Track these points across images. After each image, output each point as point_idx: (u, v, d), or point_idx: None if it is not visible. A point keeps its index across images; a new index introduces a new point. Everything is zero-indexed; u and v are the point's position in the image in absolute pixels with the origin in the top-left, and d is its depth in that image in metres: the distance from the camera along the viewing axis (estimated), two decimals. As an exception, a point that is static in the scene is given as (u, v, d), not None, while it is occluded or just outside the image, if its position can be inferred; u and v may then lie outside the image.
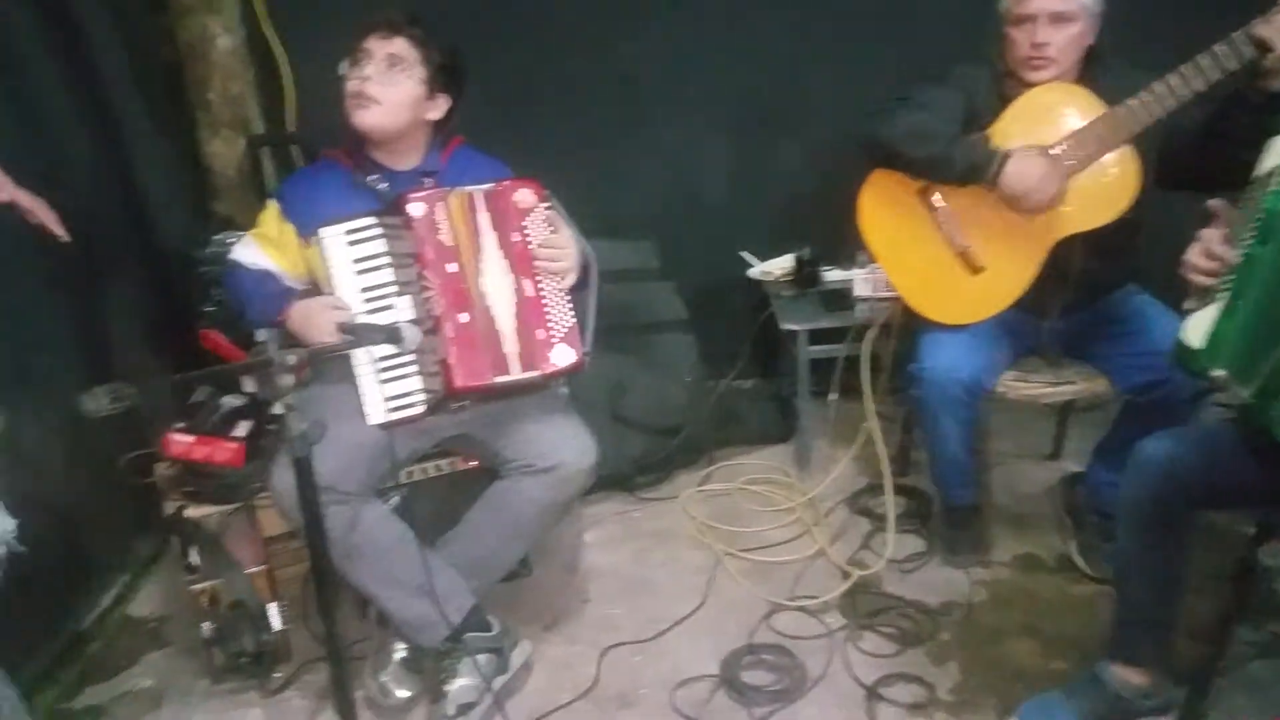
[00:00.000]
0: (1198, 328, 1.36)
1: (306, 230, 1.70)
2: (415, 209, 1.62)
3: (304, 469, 1.30)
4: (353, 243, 1.62)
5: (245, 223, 1.83)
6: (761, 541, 2.23)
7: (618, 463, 2.42)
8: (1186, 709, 1.61)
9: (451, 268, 1.63)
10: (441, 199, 1.64)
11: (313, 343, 1.57)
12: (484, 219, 1.67)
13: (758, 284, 2.68)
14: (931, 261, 1.96)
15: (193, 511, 1.78)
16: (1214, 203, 1.38)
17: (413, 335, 1.53)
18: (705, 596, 2.04)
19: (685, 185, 2.76)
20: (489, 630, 1.76)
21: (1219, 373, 1.34)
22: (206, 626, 1.81)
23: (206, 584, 1.81)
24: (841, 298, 2.47)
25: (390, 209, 1.64)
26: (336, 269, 1.62)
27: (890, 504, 2.15)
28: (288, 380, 1.27)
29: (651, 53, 2.66)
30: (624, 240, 2.64)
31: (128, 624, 2.07)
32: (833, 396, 2.41)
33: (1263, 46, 1.58)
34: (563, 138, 2.63)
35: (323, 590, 1.38)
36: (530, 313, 1.65)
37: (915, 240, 1.97)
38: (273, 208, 1.76)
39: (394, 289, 1.63)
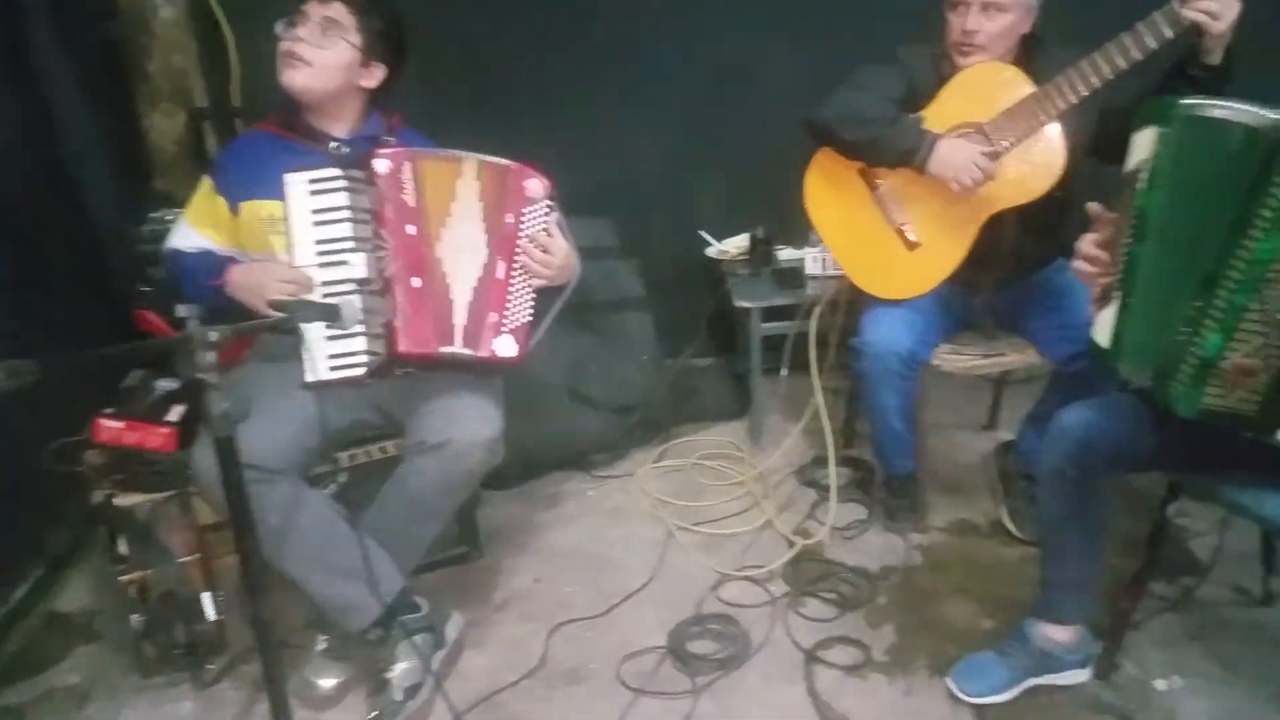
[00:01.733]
0: (1103, 326, 1.43)
1: (238, 201, 1.69)
2: (380, 165, 1.62)
3: (226, 449, 1.27)
4: (314, 192, 1.60)
5: (185, 199, 1.80)
6: (713, 515, 2.29)
7: (575, 441, 2.48)
8: (1102, 661, 1.71)
9: (410, 229, 1.63)
10: (409, 159, 1.63)
11: (255, 308, 1.56)
12: (471, 188, 1.65)
13: (715, 263, 2.73)
14: (872, 239, 2.01)
15: (122, 499, 1.73)
16: (1091, 206, 1.45)
17: (351, 313, 1.54)
18: (656, 571, 2.09)
19: (644, 164, 2.78)
20: (419, 610, 1.76)
21: (1125, 366, 1.42)
22: (136, 619, 1.76)
23: (136, 574, 1.75)
24: (794, 275, 2.52)
25: (355, 164, 1.63)
26: (295, 217, 1.60)
27: (833, 475, 2.22)
28: (208, 357, 1.23)
29: (609, 31, 2.67)
30: (582, 218, 2.65)
31: (53, 620, 2.00)
32: (784, 372, 2.46)
33: (1192, 29, 1.63)
34: (521, 115, 2.64)
35: (250, 575, 1.34)
36: (492, 294, 1.65)
37: (857, 218, 2.03)
38: (205, 184, 1.75)
39: (349, 244, 1.61)
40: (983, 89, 1.87)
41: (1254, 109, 1.24)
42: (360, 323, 1.59)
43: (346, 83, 1.71)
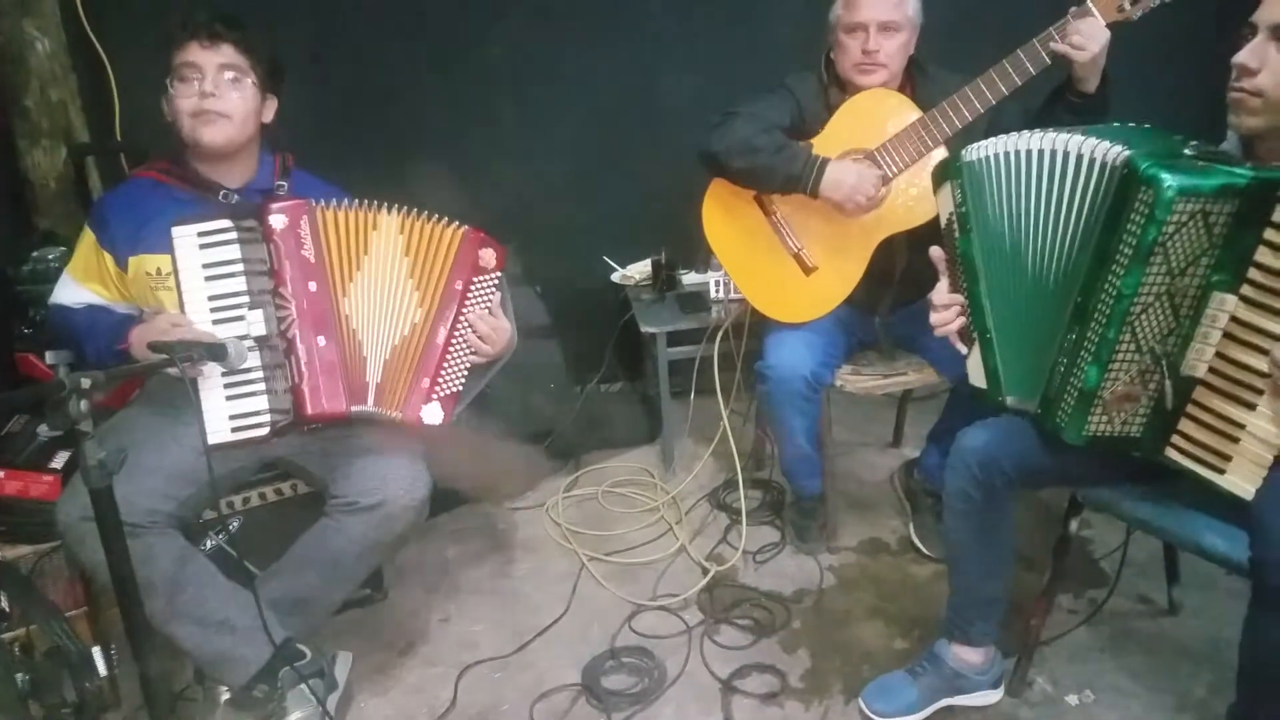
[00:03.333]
0: (975, 368, 1.49)
1: (125, 256, 1.60)
2: (276, 220, 1.53)
3: (102, 500, 1.21)
4: (205, 245, 1.52)
5: (68, 237, 1.69)
6: (626, 544, 2.26)
7: (482, 475, 2.38)
8: (1014, 679, 1.73)
9: (312, 286, 1.55)
10: (307, 212, 1.55)
11: (142, 356, 1.47)
12: (392, 244, 1.59)
13: (619, 288, 2.71)
14: (770, 263, 2.03)
15: (3, 552, 1.65)
16: (933, 251, 1.51)
17: (239, 352, 1.47)
18: (569, 604, 2.04)
19: (545, 190, 2.76)
20: (303, 658, 1.67)
21: (1012, 399, 1.46)
22: (21, 678, 1.63)
23: (19, 631, 1.66)
24: (698, 300, 2.53)
25: (247, 214, 1.55)
26: (185, 272, 1.51)
27: (743, 498, 2.22)
28: (81, 405, 1.17)
29: (508, 55, 2.65)
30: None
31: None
32: (692, 396, 2.46)
33: (1071, 48, 1.71)
34: (416, 142, 2.59)
35: (133, 630, 1.29)
36: (429, 359, 1.61)
37: (755, 243, 2.04)
38: (88, 238, 1.65)
39: (245, 299, 1.54)
40: (870, 116, 1.91)
41: (1054, 135, 1.30)
42: (262, 380, 1.53)
43: (256, 125, 1.65)
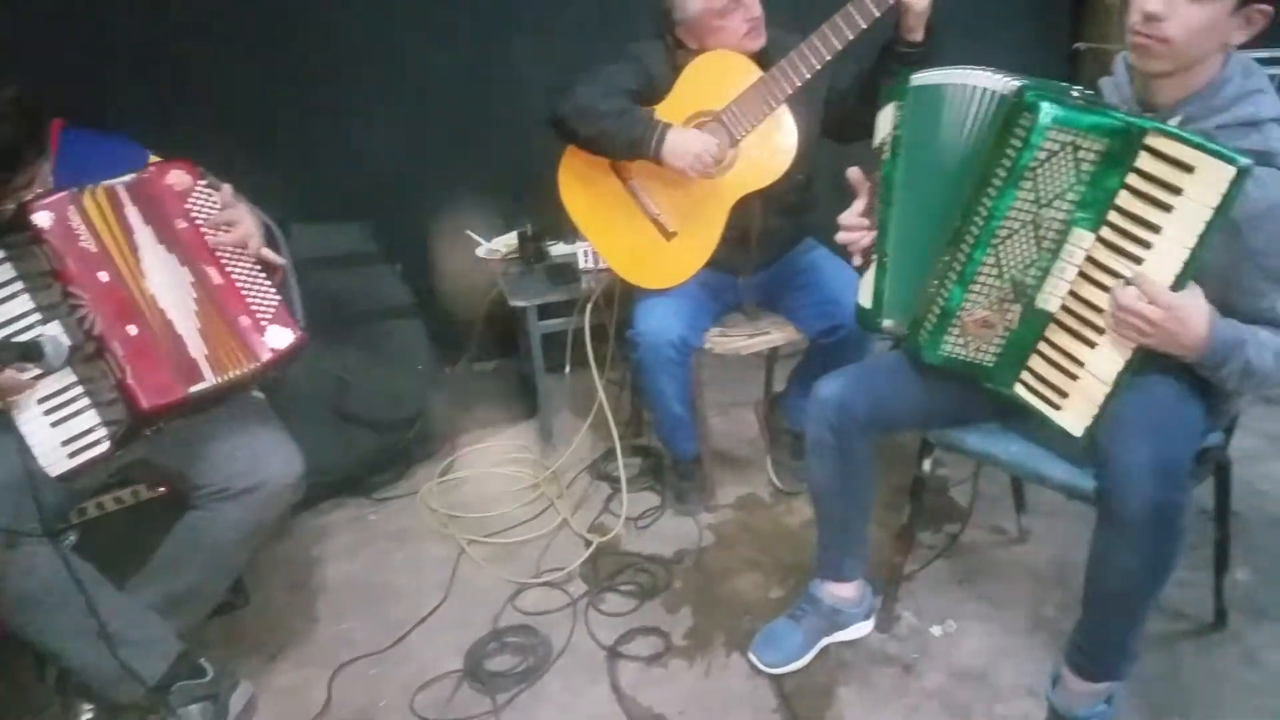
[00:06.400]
0: (865, 288, 1.53)
1: None
2: (42, 219, 1.40)
3: None
4: None
5: None
6: (507, 523, 2.22)
7: (348, 465, 2.32)
8: (882, 615, 1.82)
9: (104, 276, 1.43)
10: (73, 202, 1.43)
11: None
12: (133, 213, 1.48)
13: (486, 263, 2.64)
14: (630, 230, 2.02)
15: None
16: (851, 172, 1.53)
17: (57, 349, 1.34)
18: (448, 591, 2.00)
19: (402, 167, 2.65)
20: (203, 676, 1.60)
21: (888, 322, 1.52)
22: None
23: None
24: (567, 271, 2.49)
25: (9, 226, 1.41)
26: None
27: (622, 466, 2.22)
28: None
29: (361, 28, 2.52)
30: (336, 224, 2.50)
31: None
32: (568, 369, 2.43)
33: (894, 8, 1.75)
34: (265, 119, 2.46)
35: None
36: (227, 301, 1.50)
37: (614, 211, 2.03)
38: None
39: (37, 317, 1.41)
40: (713, 78, 1.92)
41: (990, 73, 1.34)
42: (84, 394, 1.41)
43: None
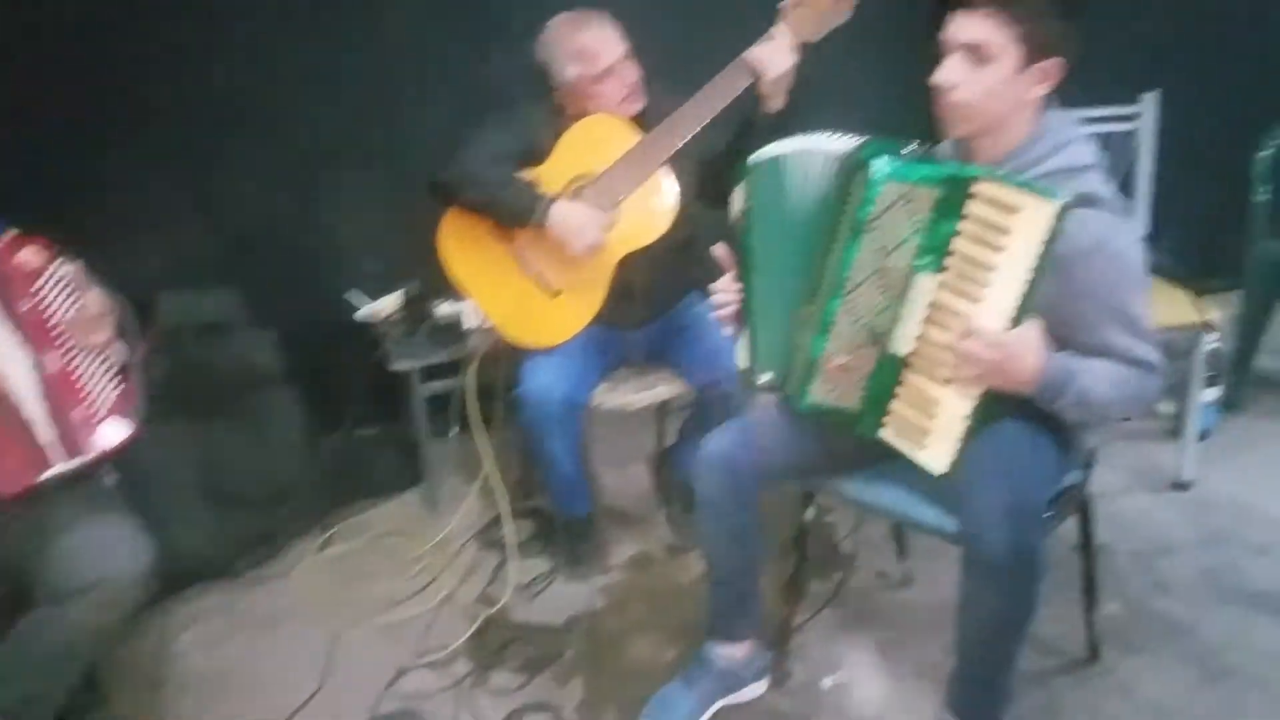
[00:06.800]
0: (742, 351, 1.57)
1: None
2: None
3: None
4: None
5: None
6: (389, 599, 2.11)
7: (216, 547, 2.16)
8: (774, 670, 1.80)
9: None
10: None
11: None
12: None
13: (368, 325, 2.56)
14: (514, 289, 2.01)
15: None
16: (716, 249, 1.58)
17: None
18: (323, 679, 1.86)
19: (275, 228, 2.56)
20: None
21: (764, 378, 1.54)
22: None
23: None
24: (453, 331, 2.43)
25: None
26: None
27: (510, 531, 2.16)
28: None
29: (232, 81, 2.43)
30: (200, 291, 2.37)
31: None
32: (454, 432, 2.36)
33: (754, 72, 1.82)
34: (132, 182, 2.33)
35: None
36: (61, 390, 1.40)
37: (497, 270, 2.01)
38: None
39: None
40: (594, 141, 1.95)
41: (827, 137, 1.41)
42: None
43: None
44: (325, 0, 2.47)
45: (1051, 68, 1.37)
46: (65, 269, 1.46)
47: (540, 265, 2.00)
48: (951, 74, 1.38)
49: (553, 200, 1.90)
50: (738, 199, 1.52)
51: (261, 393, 2.34)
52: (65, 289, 1.45)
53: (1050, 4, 1.35)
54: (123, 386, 1.47)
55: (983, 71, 1.36)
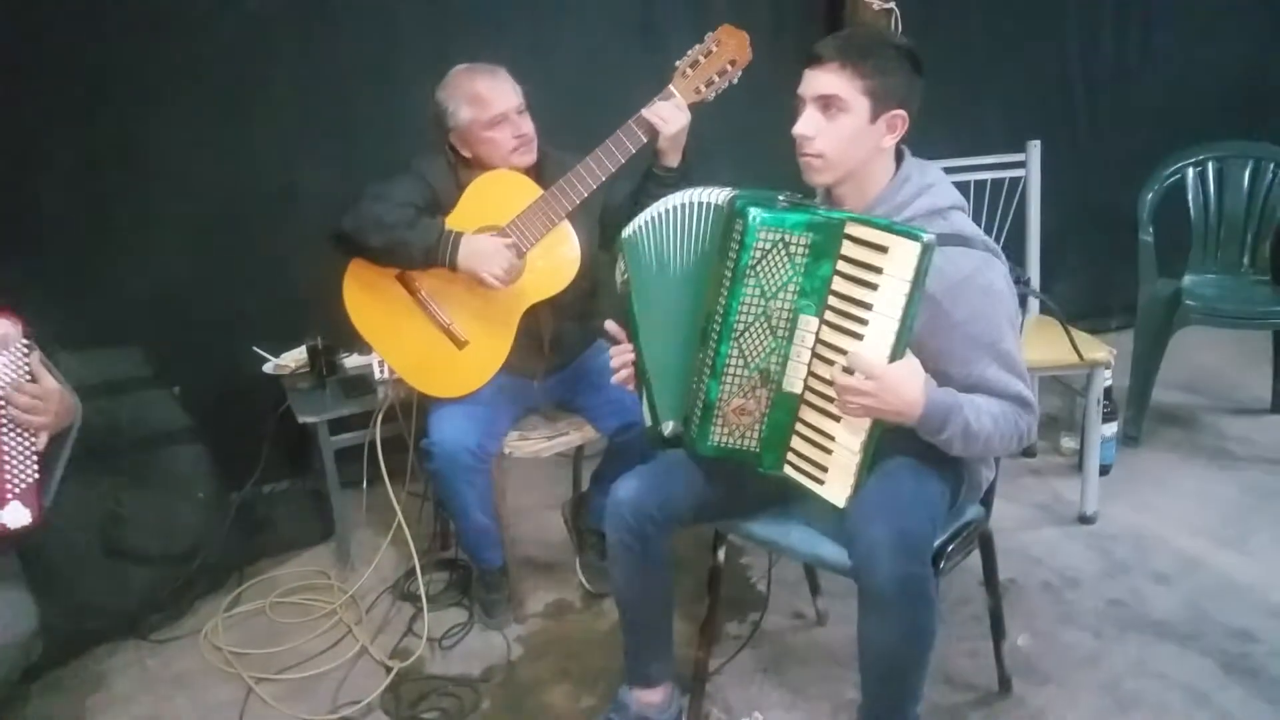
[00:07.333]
0: (645, 408, 1.61)
1: None
2: None
3: None
4: None
5: None
6: (300, 656, 2.06)
7: (123, 606, 2.09)
8: (690, 714, 1.80)
9: None
10: None
11: None
12: None
13: (274, 379, 2.52)
14: (421, 340, 2.01)
15: None
16: (607, 325, 1.63)
17: None
18: (234, 737, 1.82)
19: (177, 285, 2.51)
20: None
21: (667, 427, 1.58)
22: None
23: None
24: (361, 383, 2.41)
25: None
26: None
27: (421, 584, 2.13)
28: None
29: (128, 141, 2.40)
30: (103, 349, 2.31)
31: None
32: (364, 484, 2.33)
33: (651, 130, 1.89)
34: (26, 239, 2.29)
35: None
36: None
37: (402, 322, 2.02)
38: None
39: None
40: (496, 195, 1.98)
41: (704, 190, 1.47)
42: None
43: None
44: (219, 61, 2.46)
45: (897, 119, 1.46)
46: (32, 352, 1.44)
47: (448, 315, 2.01)
48: (808, 126, 1.46)
49: (460, 234, 1.90)
50: (618, 274, 1.58)
51: (167, 449, 2.28)
52: (24, 370, 1.43)
53: (895, 60, 1.44)
54: (38, 476, 1.44)
55: (837, 123, 1.44)
